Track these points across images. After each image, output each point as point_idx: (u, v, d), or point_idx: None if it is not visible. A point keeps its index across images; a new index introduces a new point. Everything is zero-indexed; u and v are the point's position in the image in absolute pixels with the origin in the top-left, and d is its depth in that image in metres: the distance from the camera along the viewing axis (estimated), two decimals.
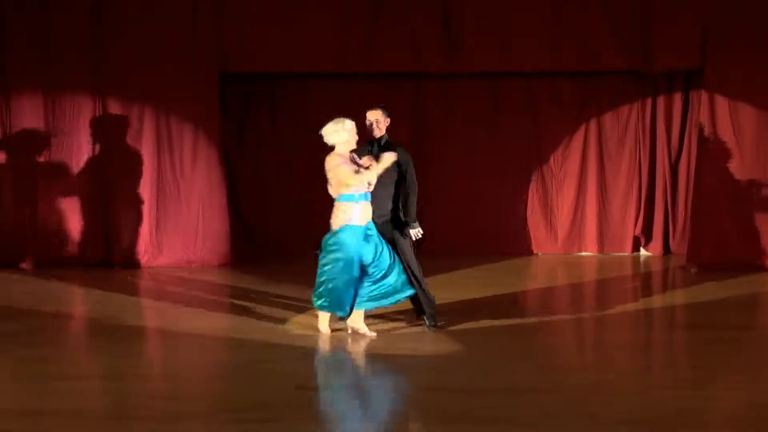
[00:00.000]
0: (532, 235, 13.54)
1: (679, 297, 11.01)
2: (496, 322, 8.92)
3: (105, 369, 7.48)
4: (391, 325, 8.86)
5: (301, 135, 13.54)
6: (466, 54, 12.24)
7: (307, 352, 8.00)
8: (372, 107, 8.71)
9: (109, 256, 12.41)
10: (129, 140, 12.39)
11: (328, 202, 13.65)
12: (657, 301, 10.75)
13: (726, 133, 12.02)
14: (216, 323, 9.27)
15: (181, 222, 12.40)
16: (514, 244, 13.42)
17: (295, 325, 8.90)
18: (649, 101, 13.39)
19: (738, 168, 12.05)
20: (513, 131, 13.48)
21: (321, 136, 8.33)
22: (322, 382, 7.38)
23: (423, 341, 8.37)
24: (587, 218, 13.53)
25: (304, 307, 9.56)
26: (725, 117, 12.02)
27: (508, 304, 9.88)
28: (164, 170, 12.38)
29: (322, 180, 13.61)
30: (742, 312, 9.76)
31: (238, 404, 6.62)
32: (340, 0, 12.26)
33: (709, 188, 12.05)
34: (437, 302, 8.74)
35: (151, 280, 11.54)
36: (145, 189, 12.39)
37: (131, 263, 12.31)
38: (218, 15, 12.26)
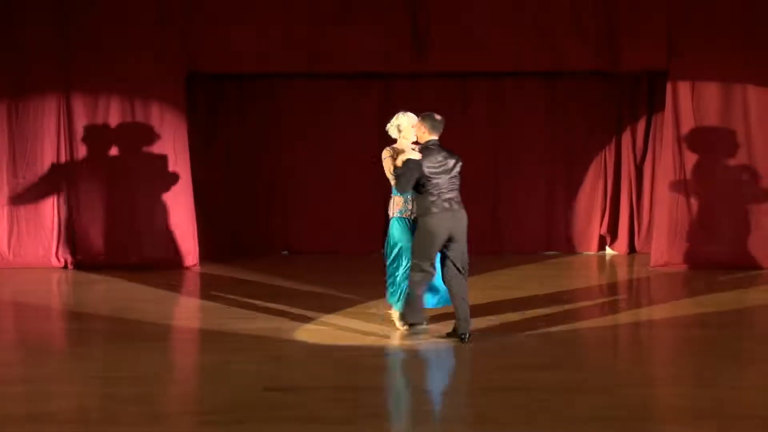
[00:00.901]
0: (500, 234, 13.57)
1: (646, 296, 11.08)
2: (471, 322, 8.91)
3: (72, 372, 7.41)
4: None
5: (269, 135, 13.51)
6: (433, 54, 12.24)
7: (275, 354, 7.97)
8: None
9: (74, 258, 12.30)
10: (94, 141, 12.28)
11: (299, 202, 13.72)
12: (627, 300, 10.81)
13: (688, 130, 12.09)
14: (185, 324, 9.22)
15: (148, 222, 12.30)
16: (483, 243, 13.41)
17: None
18: (614, 102, 13.47)
19: (701, 165, 12.13)
20: (481, 131, 13.49)
21: None
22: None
23: (402, 341, 8.36)
24: (554, 217, 13.59)
25: (271, 307, 9.54)
26: (689, 114, 12.09)
27: (482, 304, 9.85)
28: (131, 171, 12.28)
29: (291, 180, 13.77)
30: (709, 310, 9.80)
31: (206, 406, 6.59)
32: (308, 0, 12.23)
33: (671, 186, 12.15)
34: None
35: (118, 281, 11.43)
36: (111, 189, 12.28)
37: (97, 264, 12.20)
38: (185, 15, 12.17)
